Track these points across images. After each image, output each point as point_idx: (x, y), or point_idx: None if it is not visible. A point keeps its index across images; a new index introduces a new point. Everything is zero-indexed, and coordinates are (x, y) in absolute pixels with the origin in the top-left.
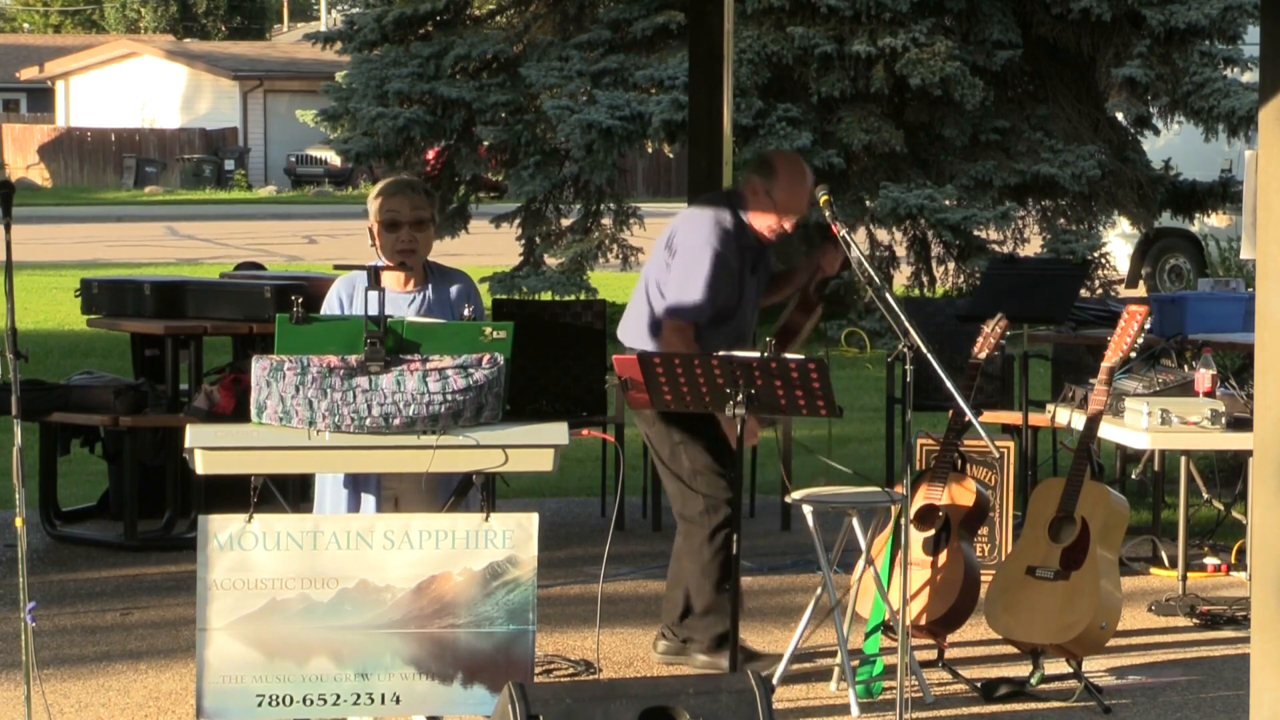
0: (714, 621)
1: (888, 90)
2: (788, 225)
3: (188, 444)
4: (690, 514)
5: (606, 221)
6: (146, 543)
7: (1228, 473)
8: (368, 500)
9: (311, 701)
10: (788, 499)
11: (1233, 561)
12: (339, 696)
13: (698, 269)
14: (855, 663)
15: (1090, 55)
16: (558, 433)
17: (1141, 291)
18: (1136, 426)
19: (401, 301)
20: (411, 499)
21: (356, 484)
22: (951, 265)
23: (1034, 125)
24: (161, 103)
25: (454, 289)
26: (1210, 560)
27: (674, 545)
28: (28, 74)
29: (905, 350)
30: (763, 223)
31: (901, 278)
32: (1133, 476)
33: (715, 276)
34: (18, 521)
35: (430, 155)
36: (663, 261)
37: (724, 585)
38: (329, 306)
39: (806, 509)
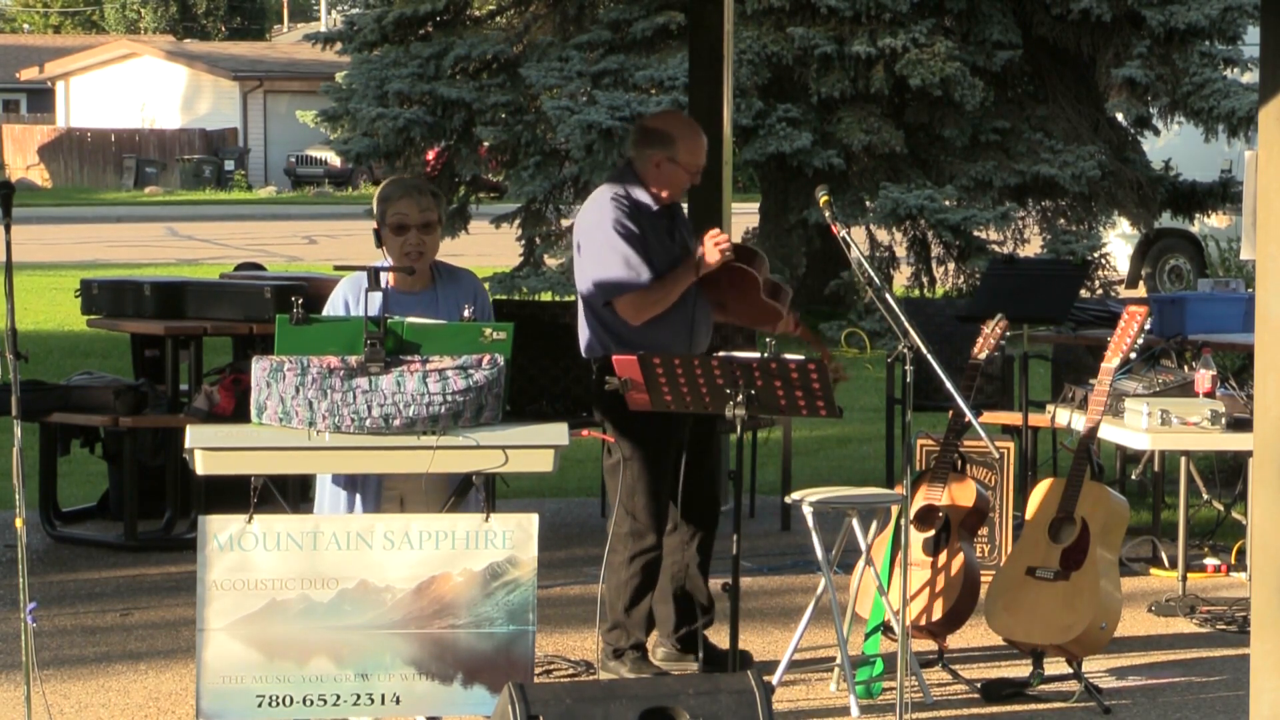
0: (618, 636)
1: (888, 91)
2: (696, 179)
3: (188, 444)
4: (619, 530)
5: None
6: (146, 543)
7: (1228, 473)
8: (360, 498)
9: (311, 702)
10: (788, 499)
11: (1233, 562)
12: (339, 697)
13: (608, 243)
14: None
15: (1090, 56)
16: (558, 433)
17: (1141, 292)
18: (1136, 427)
19: (410, 302)
20: (415, 500)
21: (352, 483)
22: (951, 266)
23: (1034, 126)
24: (161, 103)
25: (463, 289)
26: (1210, 561)
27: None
28: (28, 74)
29: (905, 351)
30: (675, 188)
31: (901, 278)
32: (1133, 477)
33: (627, 242)
34: (18, 522)
35: (430, 156)
36: (578, 263)
37: (633, 609)
38: (333, 306)
39: (806, 509)
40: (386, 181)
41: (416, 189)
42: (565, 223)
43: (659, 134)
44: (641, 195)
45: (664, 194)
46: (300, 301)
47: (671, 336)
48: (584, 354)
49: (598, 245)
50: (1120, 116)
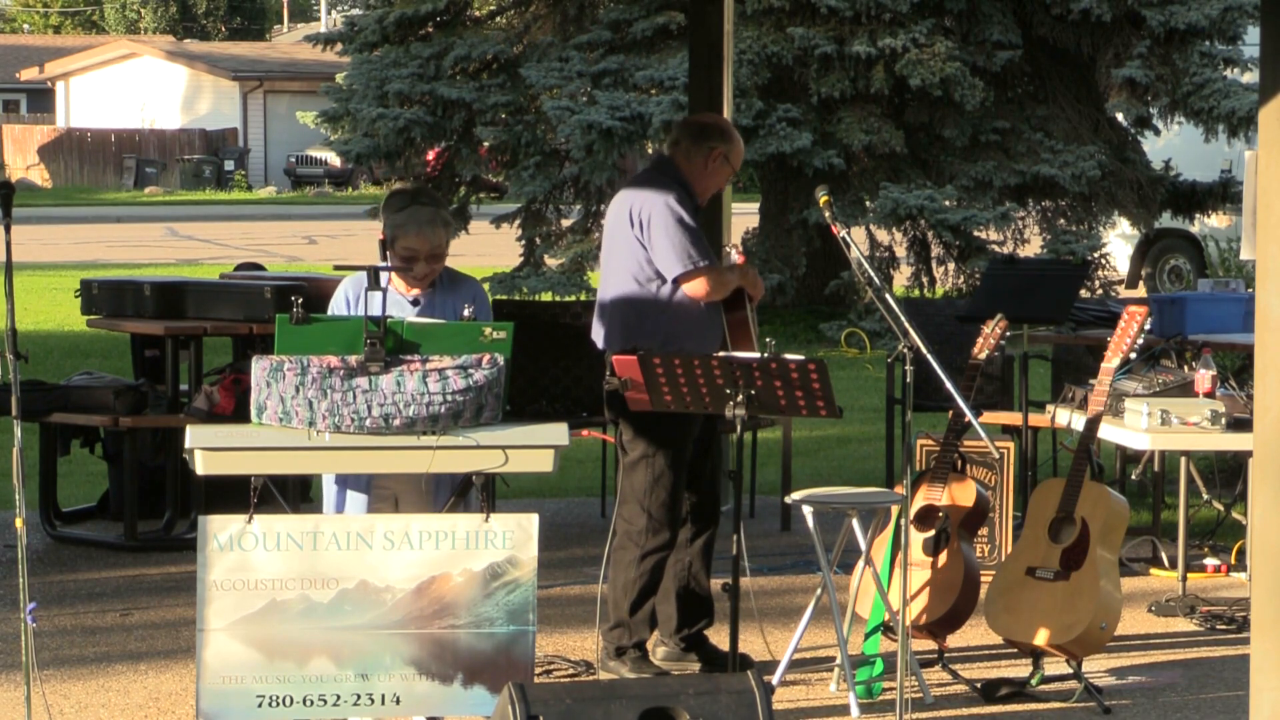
0: (620, 634)
1: (888, 91)
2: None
3: (188, 444)
4: (631, 528)
5: None
6: (146, 543)
7: (1228, 473)
8: (356, 498)
9: (311, 702)
10: (788, 499)
11: (1233, 562)
12: (339, 697)
13: (681, 223)
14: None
15: (1090, 56)
16: (558, 433)
17: (1141, 292)
18: (1136, 427)
19: (405, 304)
20: (411, 499)
21: (345, 481)
22: (951, 266)
23: (1034, 126)
24: (161, 103)
25: (462, 293)
26: (1210, 561)
27: (611, 546)
28: (28, 74)
29: (905, 351)
30: (717, 186)
31: (901, 278)
32: (1133, 477)
33: (696, 225)
34: (18, 522)
35: (430, 156)
36: (634, 241)
37: (638, 608)
38: (335, 304)
39: (806, 509)
40: (400, 203)
41: (430, 223)
42: (565, 223)
43: (718, 129)
44: (687, 191)
45: (706, 192)
46: (300, 301)
47: (710, 327)
48: (602, 346)
49: (670, 225)
50: (1120, 116)
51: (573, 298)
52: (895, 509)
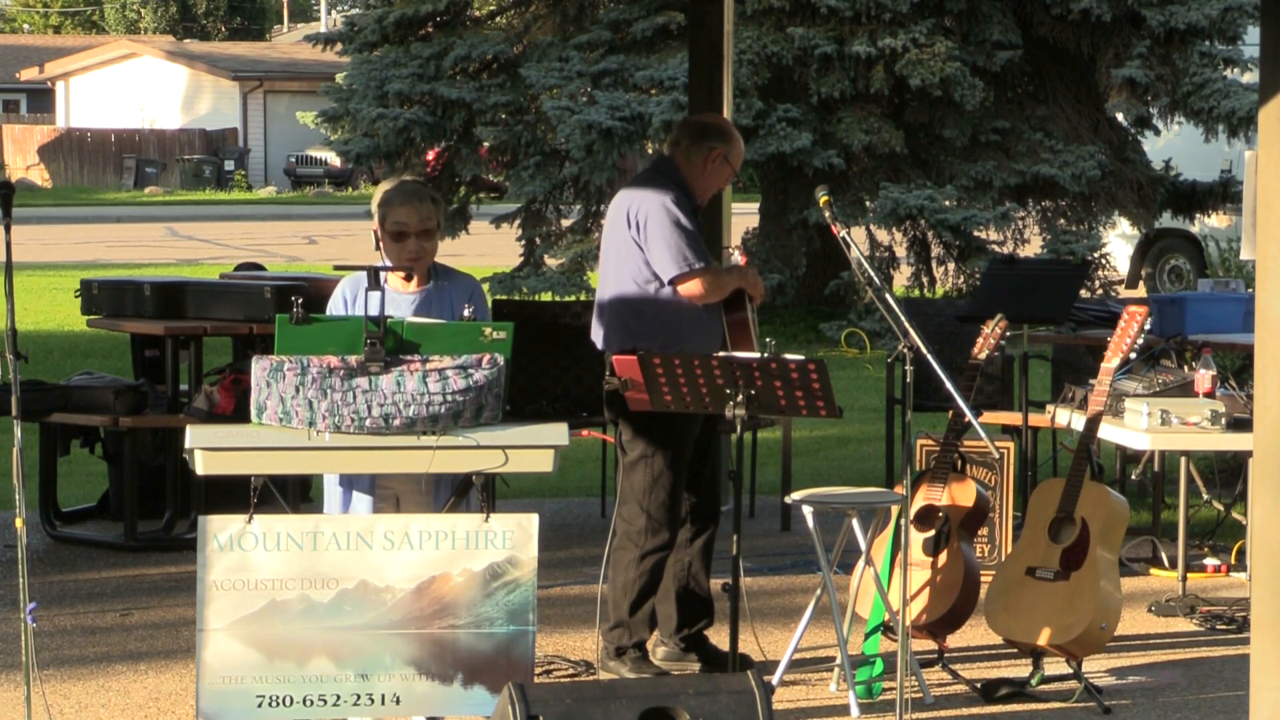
0: (620, 634)
1: (888, 91)
2: (730, 183)
3: (188, 444)
4: (631, 529)
5: None
6: (146, 543)
7: (1228, 473)
8: (361, 499)
9: (311, 702)
10: (788, 499)
11: (1233, 562)
12: (339, 697)
13: (677, 224)
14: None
15: (1090, 56)
16: (558, 433)
17: (1141, 292)
18: (1136, 427)
19: (404, 301)
20: (412, 499)
21: (350, 482)
22: (951, 266)
23: (1034, 126)
24: (161, 103)
25: (459, 289)
26: (1210, 561)
27: (611, 546)
28: (28, 74)
29: (905, 351)
30: (717, 187)
31: (901, 278)
32: (1133, 477)
33: (694, 226)
34: (18, 522)
35: (430, 156)
36: (631, 242)
37: (638, 608)
38: (334, 304)
39: (806, 509)
40: (386, 185)
41: (416, 195)
42: (565, 223)
43: (718, 129)
44: (685, 192)
45: (706, 192)
46: (300, 301)
47: (710, 328)
48: (601, 346)
49: (666, 226)
50: (1120, 116)
51: (573, 298)
52: (895, 509)
